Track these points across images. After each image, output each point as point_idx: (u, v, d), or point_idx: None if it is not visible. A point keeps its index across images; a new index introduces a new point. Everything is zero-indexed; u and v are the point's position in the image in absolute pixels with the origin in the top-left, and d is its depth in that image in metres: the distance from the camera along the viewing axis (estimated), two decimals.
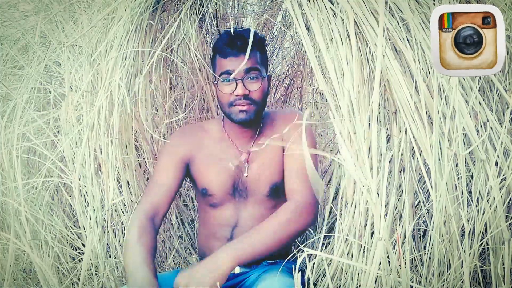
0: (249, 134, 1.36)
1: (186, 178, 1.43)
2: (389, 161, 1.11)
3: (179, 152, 1.36)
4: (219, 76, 1.30)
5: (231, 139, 1.38)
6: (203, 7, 1.54)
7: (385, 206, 1.03)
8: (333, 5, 1.13)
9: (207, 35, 2.00)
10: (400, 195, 1.13)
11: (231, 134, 1.38)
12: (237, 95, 1.27)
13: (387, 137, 1.12)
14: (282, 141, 1.31)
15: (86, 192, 1.38)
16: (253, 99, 1.28)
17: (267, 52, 2.45)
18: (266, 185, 1.34)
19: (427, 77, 1.04)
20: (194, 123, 1.63)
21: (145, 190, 1.36)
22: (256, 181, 1.34)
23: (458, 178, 1.01)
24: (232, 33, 1.29)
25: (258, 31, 1.39)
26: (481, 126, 1.03)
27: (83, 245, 1.39)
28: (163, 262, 1.71)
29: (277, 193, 1.34)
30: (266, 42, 1.34)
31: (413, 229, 1.15)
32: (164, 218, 1.72)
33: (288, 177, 1.30)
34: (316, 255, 1.05)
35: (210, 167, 1.36)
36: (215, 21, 1.92)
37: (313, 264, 1.03)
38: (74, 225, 1.57)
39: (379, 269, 0.95)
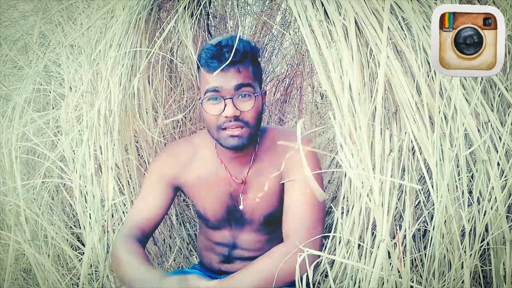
0: (244, 159, 1.19)
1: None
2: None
3: (166, 175, 1.23)
4: (204, 94, 1.09)
5: (224, 163, 1.21)
6: (200, 5, 1.54)
7: (388, 207, 1.03)
8: (329, 5, 1.13)
9: (206, 34, 2.00)
10: (400, 195, 1.13)
11: (224, 158, 1.21)
12: (226, 117, 1.08)
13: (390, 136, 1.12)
14: (281, 168, 1.13)
15: (86, 192, 1.38)
16: (245, 121, 1.09)
17: (266, 52, 2.47)
18: (261, 215, 1.22)
19: (429, 77, 1.04)
20: (182, 139, 1.41)
21: (131, 210, 1.25)
22: (252, 212, 1.22)
23: (459, 178, 1.01)
24: (220, 43, 1.08)
25: (252, 41, 1.19)
26: (482, 126, 1.03)
27: (84, 245, 1.39)
28: (164, 262, 1.70)
29: (273, 221, 1.21)
30: (259, 52, 1.16)
31: (413, 229, 1.15)
32: (165, 217, 1.73)
33: (285, 214, 1.13)
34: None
35: (202, 193, 1.23)
36: (205, 20, 1.92)
37: (315, 265, 1.03)
38: (75, 225, 1.57)
39: (381, 270, 0.95)
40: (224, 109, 1.07)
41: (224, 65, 1.04)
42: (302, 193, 1.11)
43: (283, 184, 1.16)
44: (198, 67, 1.13)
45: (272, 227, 1.22)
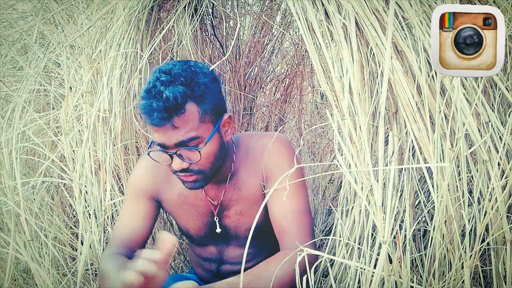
0: (221, 178, 1.10)
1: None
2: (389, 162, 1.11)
3: (145, 189, 1.15)
4: (150, 145, 1.02)
5: None
6: (201, 6, 1.54)
7: (389, 208, 1.03)
8: (329, 4, 1.13)
9: (206, 34, 2.00)
10: (400, 196, 1.13)
11: None
12: (174, 171, 0.99)
13: (386, 137, 1.12)
14: (262, 176, 1.06)
15: (86, 192, 1.38)
16: (196, 170, 0.99)
17: (266, 52, 2.46)
18: (246, 230, 1.14)
19: (429, 76, 1.04)
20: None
21: (114, 228, 1.16)
22: (236, 227, 1.14)
23: (460, 178, 1.01)
24: (150, 90, 0.92)
25: (201, 65, 1.02)
26: (483, 126, 1.03)
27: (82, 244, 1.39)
28: None
29: (259, 233, 1.09)
30: (211, 75, 1.00)
31: (413, 229, 1.15)
32: (164, 216, 1.72)
33: (278, 224, 1.07)
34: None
35: (183, 211, 1.16)
36: (211, 21, 1.92)
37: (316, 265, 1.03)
38: (75, 225, 1.57)
39: (382, 270, 0.94)
40: (171, 161, 0.98)
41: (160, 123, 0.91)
42: (289, 199, 1.04)
43: (264, 194, 1.09)
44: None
45: (259, 239, 1.10)
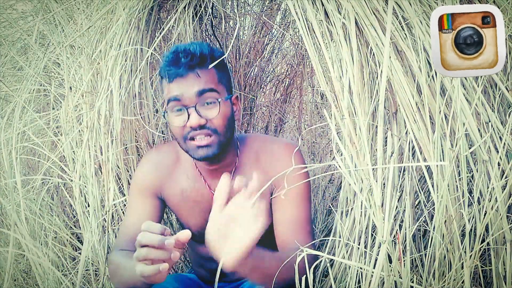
0: (224, 171, 1.09)
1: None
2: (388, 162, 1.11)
3: (149, 186, 1.15)
4: (167, 104, 1.02)
5: (203, 176, 1.13)
6: (201, 6, 1.54)
7: (389, 208, 1.03)
8: (329, 4, 1.12)
9: (206, 34, 2.00)
10: (400, 196, 1.13)
11: (203, 170, 1.12)
12: (191, 127, 0.99)
13: (386, 137, 1.12)
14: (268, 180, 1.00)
15: (86, 192, 1.38)
16: (213, 128, 1.00)
17: (266, 52, 2.46)
18: None
19: (429, 77, 1.04)
20: (165, 144, 1.28)
21: (121, 227, 1.16)
22: None
23: (460, 178, 1.01)
24: (177, 49, 1.01)
25: (214, 45, 1.11)
26: (483, 126, 1.03)
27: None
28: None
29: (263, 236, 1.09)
30: (222, 55, 1.05)
31: (413, 229, 1.15)
32: (164, 219, 1.72)
33: (280, 228, 1.07)
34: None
35: (185, 208, 1.15)
36: (211, 21, 1.92)
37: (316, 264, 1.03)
38: (75, 225, 1.57)
39: (382, 270, 0.94)
40: (188, 119, 0.99)
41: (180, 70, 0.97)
42: (294, 208, 1.06)
43: (270, 198, 1.09)
44: (161, 78, 1.06)
45: (262, 240, 1.08)
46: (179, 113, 1.01)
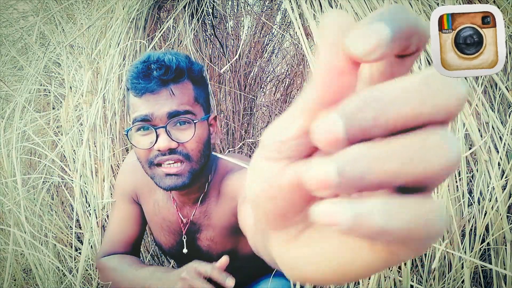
0: (193, 196, 0.97)
1: None
2: None
3: (128, 192, 1.06)
4: (133, 123, 0.85)
5: (172, 197, 1.00)
6: (200, 6, 1.54)
7: None
8: (331, 7, 1.13)
9: (206, 34, 2.00)
10: None
11: (173, 192, 0.99)
12: (159, 150, 0.84)
13: None
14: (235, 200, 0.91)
15: (86, 192, 1.38)
16: (185, 153, 0.85)
17: (266, 52, 2.46)
18: (218, 256, 0.97)
19: None
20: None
21: (105, 233, 1.10)
22: (207, 252, 1.02)
23: (460, 178, 1.01)
24: (148, 58, 0.85)
25: (191, 57, 0.94)
26: (483, 126, 1.03)
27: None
28: (163, 262, 1.70)
29: (236, 254, 1.01)
30: (203, 69, 0.92)
31: None
32: None
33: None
34: None
35: (156, 223, 1.05)
36: (211, 20, 1.92)
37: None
38: (75, 225, 1.57)
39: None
40: (156, 141, 0.83)
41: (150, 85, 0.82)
42: None
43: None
44: (128, 89, 0.88)
45: (236, 261, 0.98)
46: (145, 132, 0.85)
